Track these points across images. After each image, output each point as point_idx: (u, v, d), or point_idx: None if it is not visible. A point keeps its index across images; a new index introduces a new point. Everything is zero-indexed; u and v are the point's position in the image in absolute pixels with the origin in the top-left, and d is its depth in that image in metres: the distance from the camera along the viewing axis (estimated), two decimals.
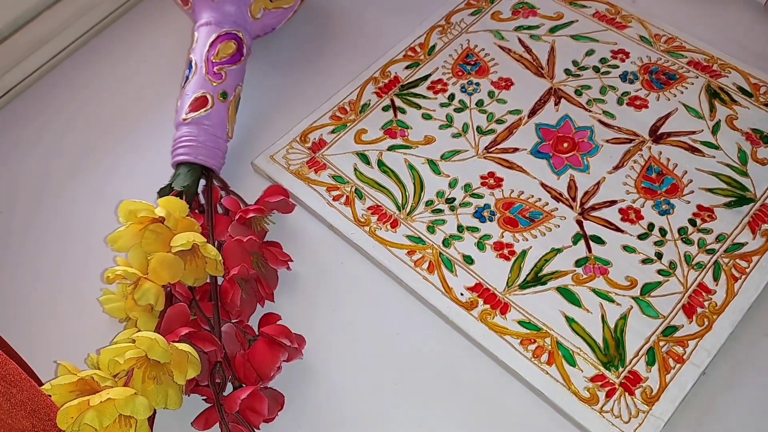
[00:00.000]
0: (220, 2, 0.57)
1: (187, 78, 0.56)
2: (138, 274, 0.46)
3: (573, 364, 0.46)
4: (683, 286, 0.48)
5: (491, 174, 0.54)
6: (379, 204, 0.54)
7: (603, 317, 0.48)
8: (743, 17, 0.63)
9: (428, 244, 0.51)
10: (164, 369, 0.43)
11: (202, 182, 0.54)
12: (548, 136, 0.56)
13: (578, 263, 0.50)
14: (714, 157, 0.54)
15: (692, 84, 0.58)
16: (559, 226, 0.52)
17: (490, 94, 0.59)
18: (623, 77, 0.59)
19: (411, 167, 0.55)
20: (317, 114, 0.59)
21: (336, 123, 0.59)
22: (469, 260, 0.51)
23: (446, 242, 0.51)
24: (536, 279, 0.49)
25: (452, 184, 0.54)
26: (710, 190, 0.52)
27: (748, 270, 0.48)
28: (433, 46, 0.63)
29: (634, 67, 0.59)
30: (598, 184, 0.53)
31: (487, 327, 0.48)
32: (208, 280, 0.49)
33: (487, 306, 0.48)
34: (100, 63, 0.66)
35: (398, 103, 0.59)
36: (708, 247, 0.50)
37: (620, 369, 0.45)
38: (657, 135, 0.55)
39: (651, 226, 0.51)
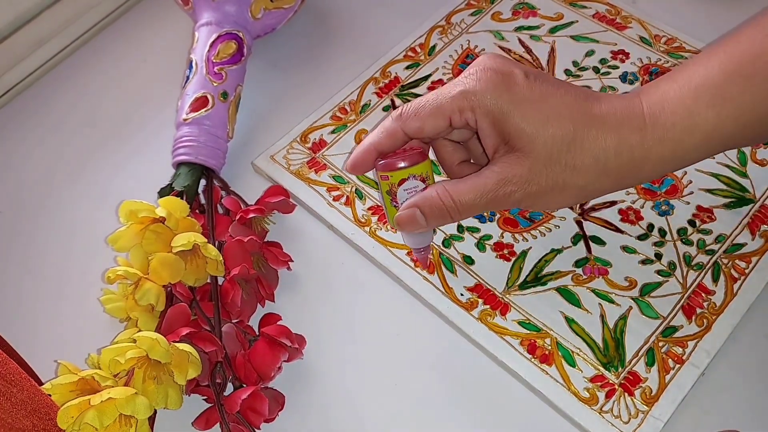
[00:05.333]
0: (220, 2, 0.57)
1: (188, 78, 0.56)
2: (139, 274, 0.46)
3: (573, 364, 0.46)
4: (683, 286, 0.48)
5: None
6: (380, 204, 0.54)
7: (603, 318, 0.48)
8: (743, 17, 0.63)
9: None
10: (165, 369, 0.43)
11: (203, 182, 0.54)
12: None
13: (578, 264, 0.50)
14: (713, 158, 0.54)
15: None
16: (558, 226, 0.52)
17: None
18: (623, 78, 0.59)
19: None
20: (317, 114, 0.59)
21: (336, 123, 0.59)
22: (469, 260, 0.51)
23: (446, 242, 0.52)
24: (536, 279, 0.49)
25: None
26: (710, 191, 0.52)
27: (747, 271, 0.49)
28: (434, 47, 0.63)
29: (634, 68, 0.59)
30: None
31: (487, 327, 0.48)
32: (208, 281, 0.49)
33: (487, 306, 0.48)
34: (101, 63, 0.66)
35: (398, 103, 0.59)
36: (707, 248, 0.50)
37: (620, 369, 0.46)
38: None
39: (650, 226, 0.51)
